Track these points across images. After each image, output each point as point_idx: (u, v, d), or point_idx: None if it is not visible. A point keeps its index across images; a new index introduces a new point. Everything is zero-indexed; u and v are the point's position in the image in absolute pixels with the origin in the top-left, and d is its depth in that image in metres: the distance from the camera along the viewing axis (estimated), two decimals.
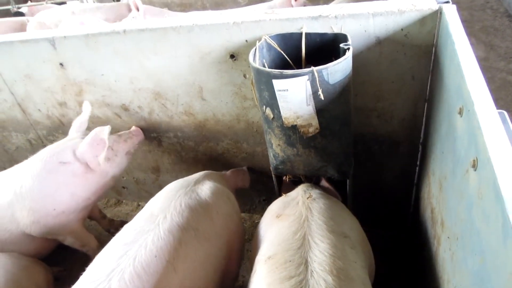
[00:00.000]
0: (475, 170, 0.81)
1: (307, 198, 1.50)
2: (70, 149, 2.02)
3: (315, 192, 1.57)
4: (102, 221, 2.64)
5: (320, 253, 1.18)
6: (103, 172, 2.08)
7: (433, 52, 1.55)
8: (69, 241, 2.22)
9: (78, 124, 2.18)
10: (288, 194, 1.64)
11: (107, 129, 2.01)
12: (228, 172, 2.13)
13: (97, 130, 2.00)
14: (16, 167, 2.14)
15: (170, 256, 1.31)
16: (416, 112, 1.76)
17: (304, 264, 1.16)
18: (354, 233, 1.40)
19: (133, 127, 2.33)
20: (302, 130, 1.52)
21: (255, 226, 2.52)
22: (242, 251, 1.79)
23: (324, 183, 1.80)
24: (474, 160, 0.81)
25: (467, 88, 0.92)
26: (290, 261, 1.18)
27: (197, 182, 1.72)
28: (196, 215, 1.49)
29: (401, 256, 2.12)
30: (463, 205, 0.91)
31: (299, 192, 1.57)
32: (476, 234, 0.79)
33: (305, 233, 1.28)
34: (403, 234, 2.21)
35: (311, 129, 1.52)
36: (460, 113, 0.97)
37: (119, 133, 2.25)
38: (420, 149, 1.87)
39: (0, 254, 2.00)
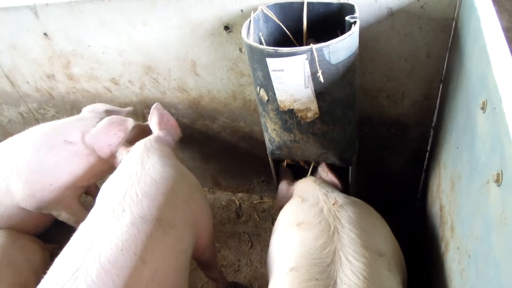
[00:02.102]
0: (498, 185, 0.66)
1: (333, 204, 1.30)
2: (79, 130, 1.93)
3: (339, 196, 1.38)
4: None
5: (353, 274, 1.02)
6: (106, 159, 1.99)
7: (453, 26, 1.35)
8: (63, 216, 2.15)
9: (98, 107, 2.08)
10: (303, 196, 1.43)
11: (131, 122, 1.90)
12: (160, 133, 1.85)
13: (115, 119, 1.90)
14: (11, 139, 2.04)
15: (137, 249, 1.23)
16: (429, 93, 1.58)
17: (333, 285, 1.01)
18: (389, 248, 1.22)
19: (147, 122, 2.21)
20: (299, 115, 1.37)
21: (253, 207, 2.43)
22: (211, 226, 1.69)
23: (323, 169, 1.64)
24: (498, 174, 0.66)
25: (493, 79, 0.75)
26: (316, 279, 1.03)
27: (144, 163, 1.56)
28: (156, 203, 1.39)
29: (405, 244, 2.00)
30: (480, 221, 0.77)
31: (320, 197, 1.37)
32: (494, 265, 0.65)
33: (335, 248, 1.11)
34: (409, 221, 2.08)
35: (309, 114, 1.36)
36: (483, 108, 0.81)
37: (131, 120, 2.11)
38: (432, 133, 1.71)
39: None
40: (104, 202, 1.41)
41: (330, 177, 1.59)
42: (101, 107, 2.09)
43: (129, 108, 2.17)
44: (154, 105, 1.94)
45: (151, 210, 1.36)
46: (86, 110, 2.08)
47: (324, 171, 1.63)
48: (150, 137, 1.77)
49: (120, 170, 1.59)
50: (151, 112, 1.93)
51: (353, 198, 1.43)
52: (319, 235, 1.17)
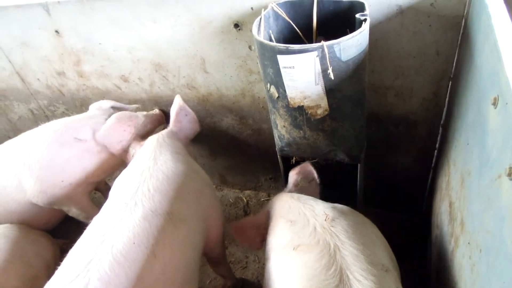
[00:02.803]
0: (511, 179, 0.67)
1: (325, 220, 1.25)
2: (89, 128, 1.96)
3: (325, 207, 1.32)
4: (107, 193, 2.60)
5: None
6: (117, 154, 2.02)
7: (463, 24, 1.35)
8: (73, 212, 2.18)
9: (104, 104, 2.10)
10: (289, 217, 1.35)
11: (140, 117, 1.91)
12: (173, 128, 1.87)
13: (123, 115, 1.92)
14: (22, 136, 2.07)
15: (149, 242, 1.26)
16: (438, 91, 1.59)
17: None
18: (391, 261, 1.19)
19: (157, 110, 2.21)
20: (309, 112, 1.38)
21: (260, 204, 2.44)
22: (221, 222, 1.72)
23: (303, 175, 1.57)
24: (511, 168, 0.67)
25: (505, 75, 0.75)
26: None
27: (157, 159, 1.58)
28: (168, 199, 1.42)
29: (412, 242, 2.01)
30: (491, 216, 0.78)
31: (307, 213, 1.29)
32: (507, 258, 0.66)
33: (340, 267, 1.06)
34: (416, 219, 2.09)
35: (319, 111, 1.37)
36: (495, 104, 0.82)
37: (139, 114, 2.14)
38: (440, 131, 1.71)
39: (9, 226, 1.98)
40: (117, 196, 1.44)
41: (313, 185, 1.54)
42: (108, 103, 2.12)
43: (135, 105, 2.19)
44: (176, 96, 1.94)
45: (162, 204, 1.38)
46: (94, 108, 2.11)
47: (305, 179, 1.57)
48: (163, 132, 1.80)
49: (133, 165, 1.61)
50: (173, 104, 1.93)
51: (338, 206, 1.38)
52: (321, 256, 1.12)
